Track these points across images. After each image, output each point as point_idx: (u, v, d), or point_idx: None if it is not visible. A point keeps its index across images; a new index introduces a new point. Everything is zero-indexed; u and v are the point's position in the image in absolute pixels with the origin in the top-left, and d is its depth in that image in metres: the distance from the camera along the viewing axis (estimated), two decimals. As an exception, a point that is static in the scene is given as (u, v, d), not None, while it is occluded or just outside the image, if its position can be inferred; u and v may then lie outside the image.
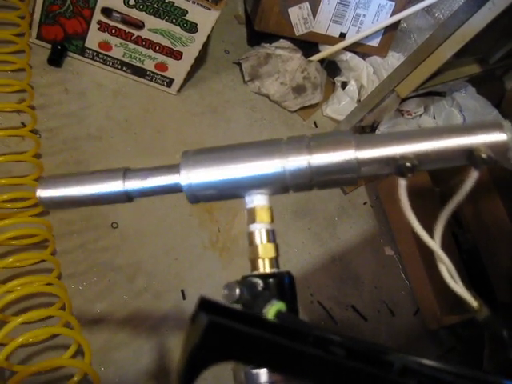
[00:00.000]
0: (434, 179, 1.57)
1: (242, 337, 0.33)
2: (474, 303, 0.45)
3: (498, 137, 0.40)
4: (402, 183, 0.41)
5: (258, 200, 0.44)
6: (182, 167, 0.44)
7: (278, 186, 0.44)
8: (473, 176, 0.40)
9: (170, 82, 1.42)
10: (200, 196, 0.45)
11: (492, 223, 1.39)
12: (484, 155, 0.39)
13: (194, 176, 0.44)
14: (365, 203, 1.62)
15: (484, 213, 1.43)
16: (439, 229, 0.43)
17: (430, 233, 0.43)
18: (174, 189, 0.45)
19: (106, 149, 1.26)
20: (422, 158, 0.41)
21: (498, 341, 0.48)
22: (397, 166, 0.40)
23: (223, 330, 0.32)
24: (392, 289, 1.50)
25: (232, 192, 0.45)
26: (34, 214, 1.05)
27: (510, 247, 1.33)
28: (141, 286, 1.12)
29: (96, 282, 1.07)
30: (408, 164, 0.40)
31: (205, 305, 0.32)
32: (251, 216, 0.44)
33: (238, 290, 0.41)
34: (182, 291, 1.15)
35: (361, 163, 0.41)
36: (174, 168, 0.45)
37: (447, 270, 0.44)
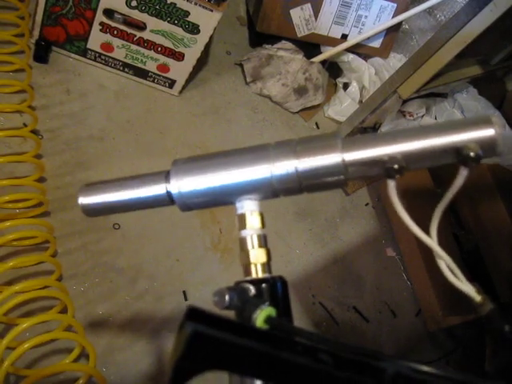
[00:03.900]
0: (436, 180, 1.57)
1: (228, 346, 0.32)
2: (478, 297, 0.45)
3: (486, 132, 0.39)
4: (391, 184, 0.41)
5: (248, 206, 0.45)
6: (172, 176, 0.45)
7: (267, 191, 0.44)
8: (462, 174, 0.39)
9: (171, 83, 1.42)
10: (191, 204, 0.45)
11: (494, 224, 1.39)
12: (472, 153, 0.38)
13: (183, 184, 0.44)
14: (366, 204, 1.61)
15: (486, 214, 1.43)
16: (434, 226, 0.43)
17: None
18: (165, 198, 0.46)
19: (108, 150, 1.26)
20: (409, 158, 0.40)
21: (499, 340, 0.48)
22: (384, 167, 0.40)
23: (208, 339, 0.32)
24: (394, 290, 1.49)
25: (222, 199, 0.45)
26: (34, 215, 1.05)
27: (512, 248, 1.33)
28: (142, 288, 1.12)
29: (98, 284, 1.07)
30: (395, 166, 0.39)
31: (192, 314, 0.32)
32: (242, 222, 0.45)
33: (227, 297, 0.41)
34: (184, 292, 1.15)
35: (348, 165, 0.41)
36: (163, 177, 0.45)
37: (446, 264, 0.44)
